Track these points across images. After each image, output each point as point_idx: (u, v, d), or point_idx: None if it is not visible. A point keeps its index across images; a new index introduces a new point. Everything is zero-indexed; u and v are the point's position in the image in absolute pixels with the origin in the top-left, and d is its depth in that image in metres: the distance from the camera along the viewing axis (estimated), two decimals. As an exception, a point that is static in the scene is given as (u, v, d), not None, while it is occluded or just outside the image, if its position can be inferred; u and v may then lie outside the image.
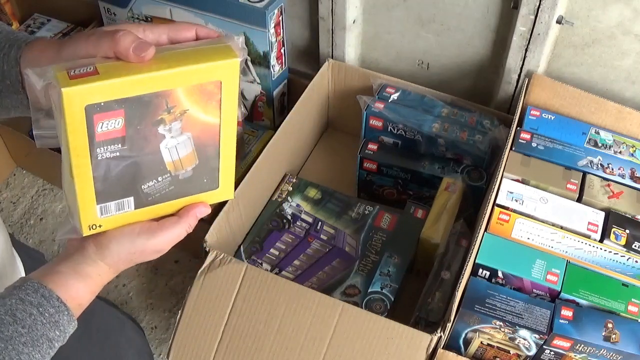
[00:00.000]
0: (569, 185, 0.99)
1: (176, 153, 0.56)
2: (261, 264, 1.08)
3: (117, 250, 0.56)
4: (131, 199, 0.57)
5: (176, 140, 0.55)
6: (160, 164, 0.56)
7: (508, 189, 0.98)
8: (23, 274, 0.77)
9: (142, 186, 0.56)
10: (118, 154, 0.53)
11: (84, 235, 0.56)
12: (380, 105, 1.15)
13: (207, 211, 0.60)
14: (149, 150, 0.55)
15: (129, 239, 0.56)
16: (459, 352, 0.86)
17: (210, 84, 0.54)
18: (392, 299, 0.99)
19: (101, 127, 0.51)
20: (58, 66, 0.50)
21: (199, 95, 0.54)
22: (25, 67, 0.56)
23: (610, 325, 0.84)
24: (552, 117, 1.08)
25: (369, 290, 1.00)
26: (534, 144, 1.04)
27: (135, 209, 0.57)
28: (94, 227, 0.56)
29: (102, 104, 0.50)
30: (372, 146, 1.16)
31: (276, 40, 1.25)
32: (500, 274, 0.90)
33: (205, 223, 1.11)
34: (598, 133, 1.06)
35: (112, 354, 0.87)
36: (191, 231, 0.59)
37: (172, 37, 0.55)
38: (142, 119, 0.52)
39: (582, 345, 0.84)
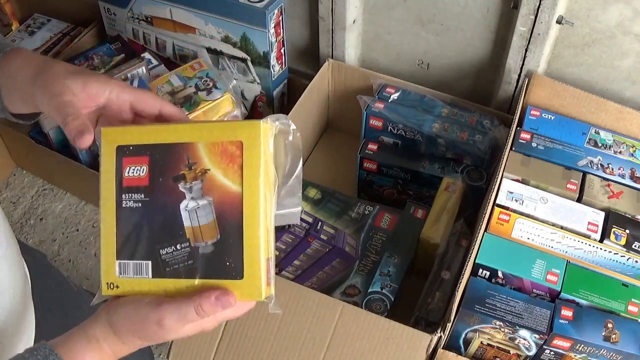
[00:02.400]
0: (569, 185, 0.99)
1: (196, 218, 0.54)
2: (261, 264, 1.08)
3: (122, 314, 0.53)
4: (149, 263, 0.55)
5: (196, 202, 0.54)
6: (180, 228, 0.54)
7: (508, 189, 0.98)
8: (29, 279, 0.77)
9: (161, 250, 0.54)
10: (140, 205, 0.54)
11: (102, 294, 0.55)
12: (380, 105, 1.15)
13: (229, 301, 0.52)
14: (169, 209, 0.54)
15: (135, 305, 0.53)
16: (459, 352, 0.86)
17: (231, 145, 0.53)
18: (392, 299, 0.99)
19: (128, 172, 0.54)
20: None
21: (221, 156, 0.53)
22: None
23: (610, 325, 0.84)
24: (552, 117, 1.08)
25: (369, 290, 1.00)
26: (534, 144, 1.04)
27: (152, 277, 0.55)
28: (112, 285, 0.55)
29: (132, 147, 0.54)
30: (372, 146, 1.16)
31: (276, 40, 1.25)
32: (500, 274, 0.90)
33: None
34: (598, 133, 1.06)
35: None
36: (205, 316, 0.52)
37: (135, 107, 0.57)
38: (164, 170, 0.54)
39: (582, 345, 0.84)
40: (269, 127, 0.54)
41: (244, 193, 0.53)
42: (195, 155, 0.53)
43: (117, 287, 0.55)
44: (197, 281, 0.54)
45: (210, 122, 0.54)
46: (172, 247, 0.55)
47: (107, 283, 0.55)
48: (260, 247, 0.53)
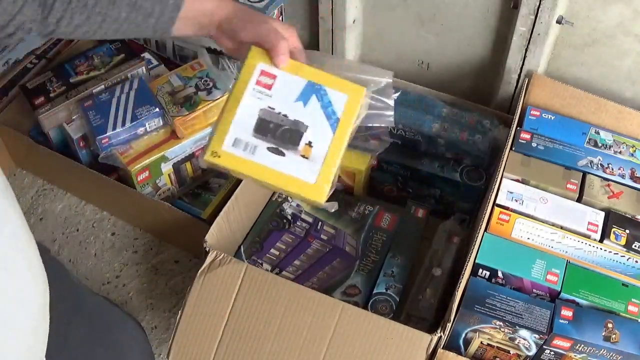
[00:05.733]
0: (569, 185, 0.99)
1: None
2: (261, 264, 1.08)
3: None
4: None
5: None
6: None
7: (508, 189, 0.98)
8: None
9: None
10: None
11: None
12: (380, 105, 1.15)
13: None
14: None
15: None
16: (459, 352, 0.86)
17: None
18: (398, 300, 0.99)
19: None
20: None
21: None
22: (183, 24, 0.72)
23: (610, 325, 0.84)
24: (552, 117, 1.08)
25: (374, 292, 1.00)
26: (534, 144, 1.04)
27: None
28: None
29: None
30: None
31: (276, 40, 1.25)
32: (500, 274, 0.90)
33: (205, 223, 1.11)
34: (598, 133, 1.06)
35: (116, 353, 0.87)
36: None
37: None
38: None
39: (582, 345, 0.84)
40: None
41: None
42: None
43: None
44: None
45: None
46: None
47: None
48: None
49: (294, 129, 0.70)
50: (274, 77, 0.71)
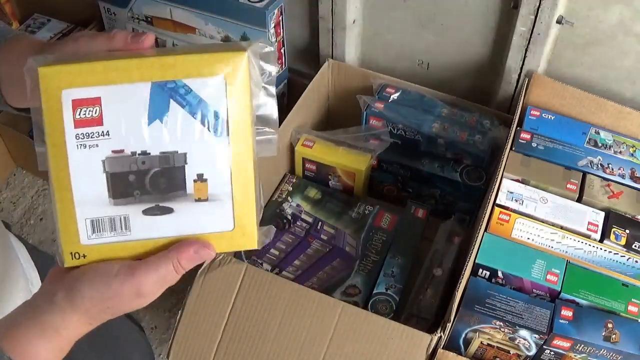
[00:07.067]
0: (569, 185, 0.99)
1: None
2: (261, 264, 1.08)
3: (90, 294, 0.46)
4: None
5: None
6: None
7: (508, 189, 0.98)
8: (32, 279, 0.76)
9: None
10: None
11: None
12: (380, 105, 1.15)
13: (208, 254, 0.48)
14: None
15: (103, 280, 0.46)
16: (459, 352, 0.86)
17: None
18: (398, 300, 0.99)
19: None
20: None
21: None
22: (2, 66, 0.53)
23: (610, 325, 0.84)
24: (552, 117, 1.08)
25: (374, 292, 1.00)
26: (534, 144, 1.04)
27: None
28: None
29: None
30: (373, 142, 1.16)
31: (276, 40, 1.25)
32: (500, 274, 0.90)
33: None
34: (598, 133, 1.06)
35: (116, 353, 0.87)
36: (183, 272, 0.48)
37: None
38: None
39: (582, 345, 0.84)
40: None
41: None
42: None
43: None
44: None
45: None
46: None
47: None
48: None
49: (167, 167, 0.47)
50: (96, 101, 0.45)
